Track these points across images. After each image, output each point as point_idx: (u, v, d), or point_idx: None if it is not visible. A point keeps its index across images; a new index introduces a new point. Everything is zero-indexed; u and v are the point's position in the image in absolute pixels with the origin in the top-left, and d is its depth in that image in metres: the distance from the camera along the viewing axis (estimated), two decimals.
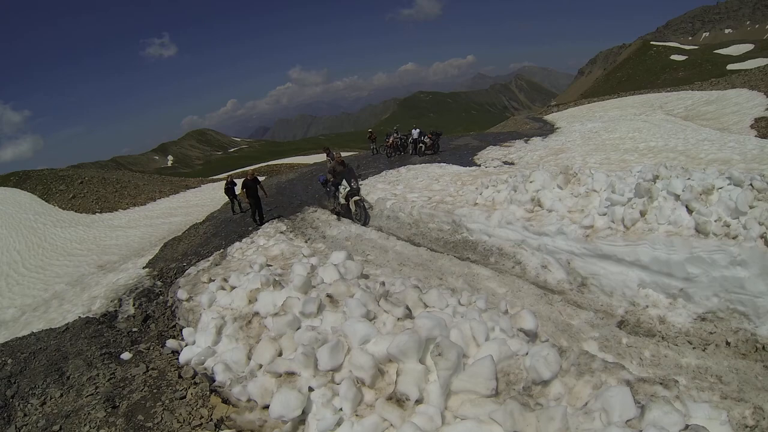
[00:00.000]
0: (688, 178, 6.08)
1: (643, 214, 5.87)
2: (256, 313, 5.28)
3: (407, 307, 4.83)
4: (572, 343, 5.21)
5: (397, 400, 3.80)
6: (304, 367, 4.24)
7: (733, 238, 5.54)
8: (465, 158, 19.17)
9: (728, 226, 5.62)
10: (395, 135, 23.04)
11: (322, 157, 36.05)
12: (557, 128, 29.38)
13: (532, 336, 4.68)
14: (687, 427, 3.72)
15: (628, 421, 3.79)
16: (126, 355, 5.87)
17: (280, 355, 4.70)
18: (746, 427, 4.45)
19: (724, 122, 22.14)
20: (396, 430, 3.67)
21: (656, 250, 5.56)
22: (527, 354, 4.19)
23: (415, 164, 17.27)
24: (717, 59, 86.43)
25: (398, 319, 4.74)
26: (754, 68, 42.59)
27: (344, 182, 11.13)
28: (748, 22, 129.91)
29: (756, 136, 17.00)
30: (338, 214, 11.73)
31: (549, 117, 39.17)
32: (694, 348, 5.32)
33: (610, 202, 6.32)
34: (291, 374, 4.36)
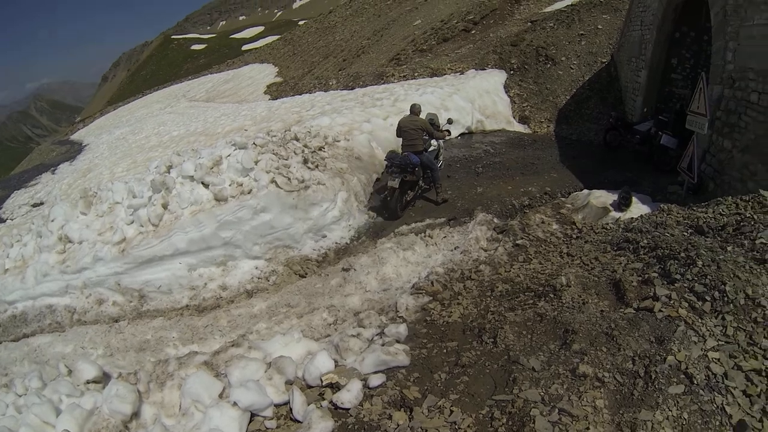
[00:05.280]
0: (199, 158, 6.61)
1: (165, 206, 6.07)
2: None
3: None
4: (155, 357, 5.09)
5: None
6: None
7: (249, 192, 6.47)
8: None
9: (241, 185, 6.53)
10: None
11: None
12: (85, 145, 26.99)
13: (105, 380, 4.37)
14: (270, 364, 4.24)
15: (220, 395, 4.01)
16: None
17: None
18: (329, 324, 5.49)
19: (242, 95, 25.10)
20: None
21: (189, 233, 5.93)
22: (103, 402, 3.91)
23: None
24: (233, 43, 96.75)
25: None
26: (263, 45, 50.32)
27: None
28: (259, 9, 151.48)
29: (269, 99, 20.12)
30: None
31: (76, 136, 35.84)
32: (252, 294, 6.05)
33: (133, 207, 6.26)
34: None
